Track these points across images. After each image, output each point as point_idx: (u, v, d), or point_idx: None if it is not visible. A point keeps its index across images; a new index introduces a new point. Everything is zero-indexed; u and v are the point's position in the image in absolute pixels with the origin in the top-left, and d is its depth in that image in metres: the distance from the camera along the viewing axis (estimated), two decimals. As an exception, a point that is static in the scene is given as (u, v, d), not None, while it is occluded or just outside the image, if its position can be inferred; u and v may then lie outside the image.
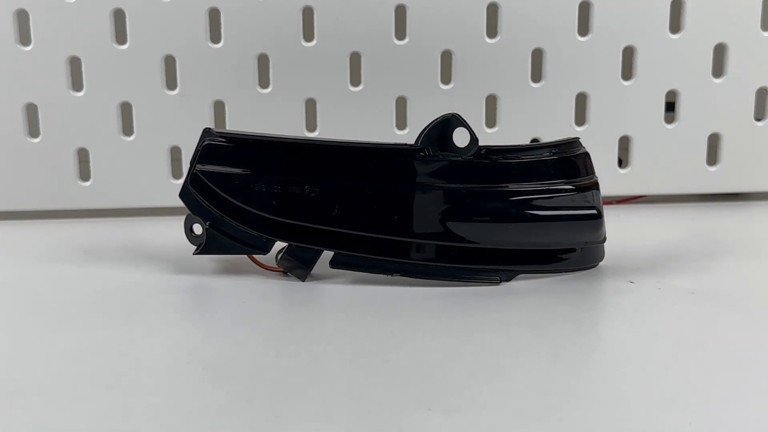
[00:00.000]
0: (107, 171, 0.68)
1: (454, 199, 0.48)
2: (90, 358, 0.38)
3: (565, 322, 0.43)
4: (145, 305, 0.46)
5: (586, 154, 0.50)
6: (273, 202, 0.48)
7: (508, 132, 0.69)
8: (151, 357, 0.39)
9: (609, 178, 0.66)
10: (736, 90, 0.70)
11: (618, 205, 0.72)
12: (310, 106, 0.68)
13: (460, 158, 0.48)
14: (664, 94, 0.70)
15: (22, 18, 0.65)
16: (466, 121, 0.48)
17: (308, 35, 0.67)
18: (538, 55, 0.69)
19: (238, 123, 0.67)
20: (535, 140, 0.69)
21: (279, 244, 0.50)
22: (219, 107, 0.68)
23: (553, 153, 0.49)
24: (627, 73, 0.69)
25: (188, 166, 0.50)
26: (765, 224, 0.68)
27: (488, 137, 0.67)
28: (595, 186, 0.50)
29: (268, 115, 0.68)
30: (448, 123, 0.48)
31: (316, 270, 0.50)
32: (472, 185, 0.48)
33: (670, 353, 0.39)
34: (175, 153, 0.68)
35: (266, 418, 0.32)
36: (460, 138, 0.48)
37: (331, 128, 0.68)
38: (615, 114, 0.70)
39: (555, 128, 0.68)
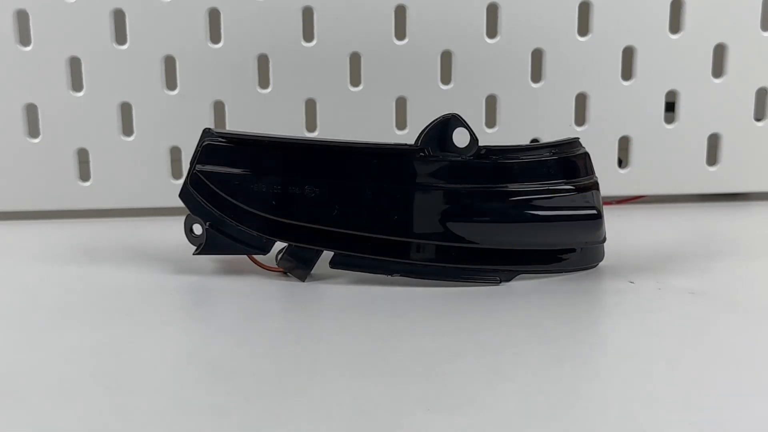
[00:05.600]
0: (107, 171, 0.68)
1: (454, 199, 0.48)
2: (90, 358, 0.38)
3: (565, 322, 0.43)
4: (145, 305, 0.46)
5: (586, 154, 0.50)
6: (273, 203, 0.48)
7: (508, 132, 0.69)
8: (151, 357, 0.39)
9: (609, 178, 0.66)
10: (736, 90, 0.70)
11: (618, 205, 0.72)
12: (310, 106, 0.68)
13: (460, 158, 0.48)
14: (664, 94, 0.70)
15: (22, 18, 0.65)
16: (466, 121, 0.48)
17: (308, 35, 0.67)
18: (538, 55, 0.68)
19: (238, 123, 0.67)
20: (535, 140, 0.69)
21: (279, 244, 0.50)
22: (219, 107, 0.68)
23: (553, 153, 0.49)
24: (627, 73, 0.69)
25: (188, 166, 0.50)
26: (765, 224, 0.68)
27: (488, 137, 0.67)
28: (595, 186, 0.50)
29: (268, 115, 0.68)
30: (448, 123, 0.48)
31: (316, 270, 0.50)
32: (472, 185, 0.48)
33: (670, 353, 0.39)
34: (175, 153, 0.68)
35: (266, 418, 0.32)
36: (460, 138, 0.48)
37: (331, 128, 0.68)
38: (615, 114, 0.70)
39: (555, 128, 0.68)
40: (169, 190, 0.65)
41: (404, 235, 0.48)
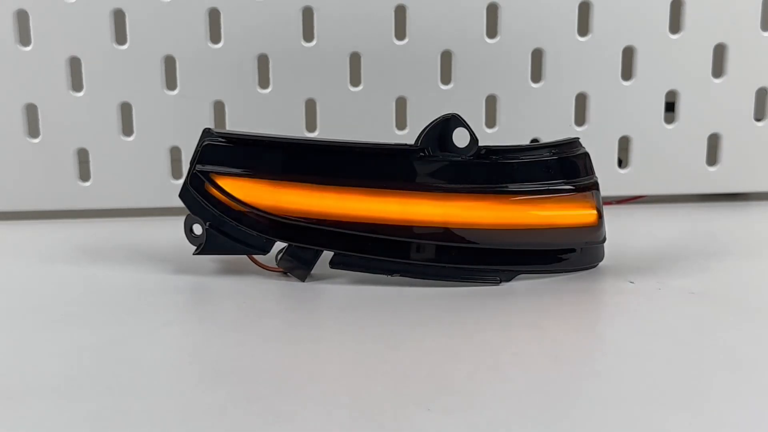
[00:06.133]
0: (107, 171, 0.68)
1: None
2: (90, 358, 0.38)
3: (565, 322, 0.43)
4: (145, 305, 0.46)
5: (586, 154, 0.50)
6: (273, 202, 0.48)
7: (508, 132, 0.69)
8: (151, 357, 0.39)
9: (609, 178, 0.66)
10: (736, 90, 0.70)
11: (618, 205, 0.72)
12: (310, 106, 0.68)
13: (460, 158, 0.48)
14: (664, 94, 0.70)
15: (22, 18, 0.65)
16: (466, 121, 0.48)
17: (308, 35, 0.67)
18: (538, 55, 0.68)
19: (238, 123, 0.67)
20: (535, 140, 0.69)
21: (279, 244, 0.50)
22: (219, 107, 0.68)
23: (553, 153, 0.49)
24: (627, 73, 0.69)
25: (188, 166, 0.50)
26: (765, 224, 0.68)
27: (488, 137, 0.67)
28: (595, 186, 0.50)
29: (268, 115, 0.68)
30: (448, 123, 0.48)
31: (316, 270, 0.50)
32: (472, 185, 0.48)
33: (670, 353, 0.39)
34: (175, 153, 0.68)
35: (266, 418, 0.32)
36: (460, 138, 0.48)
37: (331, 128, 0.68)
38: (615, 114, 0.70)
39: (555, 128, 0.68)
40: (169, 190, 0.65)
41: (404, 235, 0.48)
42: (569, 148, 0.50)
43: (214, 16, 0.66)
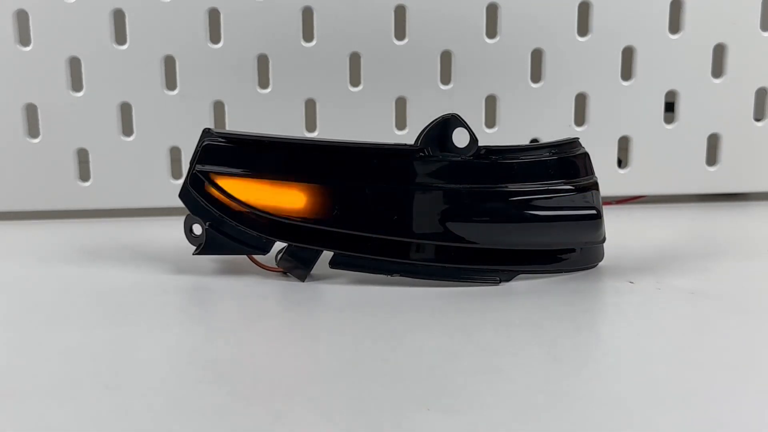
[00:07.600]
0: (107, 171, 0.68)
1: (454, 199, 0.48)
2: (90, 358, 0.38)
3: (564, 322, 0.43)
4: (145, 305, 0.46)
5: (586, 155, 0.50)
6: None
7: (507, 132, 0.69)
8: (151, 357, 0.39)
9: (609, 178, 0.66)
10: (735, 90, 0.70)
11: (618, 205, 0.72)
12: (310, 106, 0.68)
13: (459, 158, 0.48)
14: (664, 94, 0.70)
15: (22, 18, 0.65)
16: (466, 121, 0.48)
17: (308, 35, 0.67)
18: (537, 55, 0.69)
19: (238, 123, 0.67)
20: (534, 140, 0.69)
21: (279, 244, 0.50)
22: (219, 107, 0.68)
23: (553, 153, 0.49)
24: (627, 73, 0.69)
25: (188, 166, 0.50)
26: (765, 224, 0.68)
27: (488, 137, 0.67)
28: (595, 186, 0.50)
29: (268, 115, 0.68)
30: (448, 123, 0.48)
31: (316, 270, 0.50)
32: (472, 185, 0.48)
33: (670, 353, 0.39)
34: (175, 153, 0.68)
35: (266, 418, 0.32)
36: (460, 138, 0.48)
37: (331, 128, 0.68)
38: (615, 114, 0.70)
39: (555, 128, 0.68)
40: (169, 190, 0.65)
41: (404, 235, 0.48)
42: (569, 148, 0.50)
43: (214, 16, 0.66)
